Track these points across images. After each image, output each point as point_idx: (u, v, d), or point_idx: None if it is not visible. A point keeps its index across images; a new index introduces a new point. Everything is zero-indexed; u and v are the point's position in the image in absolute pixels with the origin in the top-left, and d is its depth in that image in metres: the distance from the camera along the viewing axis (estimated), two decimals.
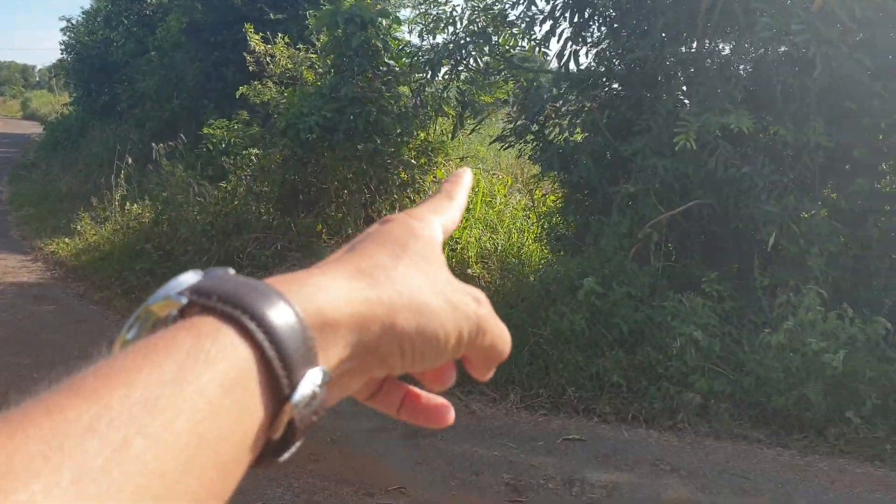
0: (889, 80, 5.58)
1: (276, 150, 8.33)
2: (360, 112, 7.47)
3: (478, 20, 7.27)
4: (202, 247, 8.06)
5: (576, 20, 6.97)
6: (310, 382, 0.37)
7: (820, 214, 5.82)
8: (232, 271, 0.39)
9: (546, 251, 7.56)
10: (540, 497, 4.16)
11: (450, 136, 8.09)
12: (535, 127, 7.22)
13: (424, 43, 7.88)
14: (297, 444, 0.38)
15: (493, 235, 8.00)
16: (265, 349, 0.35)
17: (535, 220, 8.13)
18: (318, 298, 0.39)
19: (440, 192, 0.54)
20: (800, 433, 4.96)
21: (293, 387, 0.36)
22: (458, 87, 7.63)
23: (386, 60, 7.68)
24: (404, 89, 7.99)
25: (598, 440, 4.89)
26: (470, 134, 8.18)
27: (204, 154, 10.13)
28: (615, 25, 6.98)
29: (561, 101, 7.08)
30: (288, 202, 8.41)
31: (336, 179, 8.13)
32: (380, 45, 7.58)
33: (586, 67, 7.09)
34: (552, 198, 7.94)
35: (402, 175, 8.17)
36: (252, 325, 0.35)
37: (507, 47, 7.31)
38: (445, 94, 7.78)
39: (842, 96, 5.70)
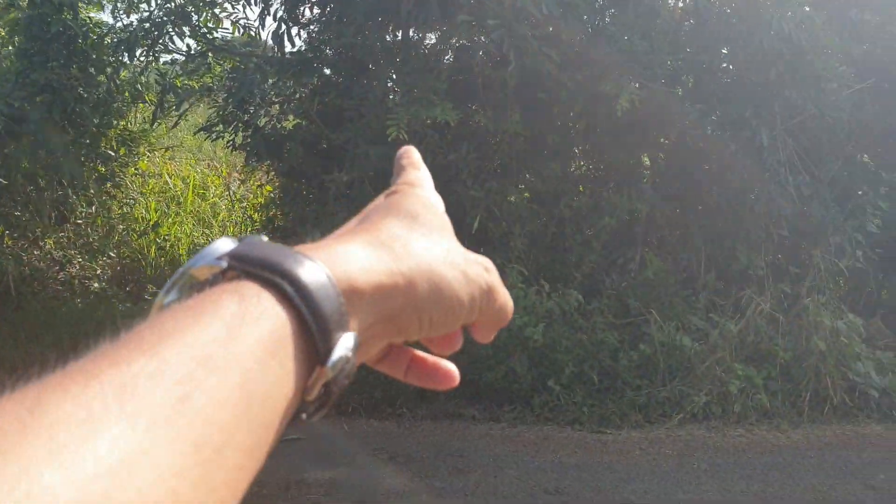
0: (574, 72, 6.05)
1: None
2: (55, 100, 6.61)
3: None
4: None
5: None
6: (343, 346, 0.38)
7: (521, 197, 6.18)
8: (265, 238, 0.40)
9: None
10: None
11: (151, 124, 7.44)
12: (245, 116, 6.86)
13: (118, 22, 7.17)
14: (328, 406, 0.39)
15: (207, 230, 7.53)
16: (303, 313, 0.36)
17: (251, 212, 7.78)
18: (347, 266, 0.40)
19: (409, 165, 0.57)
20: (510, 405, 5.22)
21: (328, 350, 0.37)
22: (157, 70, 7.03)
23: (82, 44, 6.85)
24: (102, 78, 7.21)
25: (318, 437, 4.75)
26: (175, 125, 7.61)
27: None
28: (328, 8, 6.83)
29: (271, 87, 6.80)
30: None
31: (21, 174, 7.14)
32: (76, 27, 6.75)
33: (297, 52, 6.88)
34: (268, 188, 7.65)
35: (100, 169, 7.39)
36: (290, 290, 0.36)
37: (209, 28, 6.85)
38: (144, 79, 7.14)
39: (535, 87, 6.07)
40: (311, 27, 6.89)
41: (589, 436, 4.98)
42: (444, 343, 0.51)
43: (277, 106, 6.91)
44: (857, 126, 6.41)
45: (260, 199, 7.68)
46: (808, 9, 5.89)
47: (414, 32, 6.63)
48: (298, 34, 6.89)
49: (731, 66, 6.59)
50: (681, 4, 6.42)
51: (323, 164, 6.53)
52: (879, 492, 4.17)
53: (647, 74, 6.09)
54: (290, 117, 6.93)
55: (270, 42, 6.87)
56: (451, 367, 0.52)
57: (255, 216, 7.57)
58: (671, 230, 6.37)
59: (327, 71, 7.01)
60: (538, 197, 6.33)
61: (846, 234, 6.02)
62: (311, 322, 0.37)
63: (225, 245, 0.39)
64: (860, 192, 6.12)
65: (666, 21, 6.19)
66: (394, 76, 6.68)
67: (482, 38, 6.17)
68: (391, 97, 6.29)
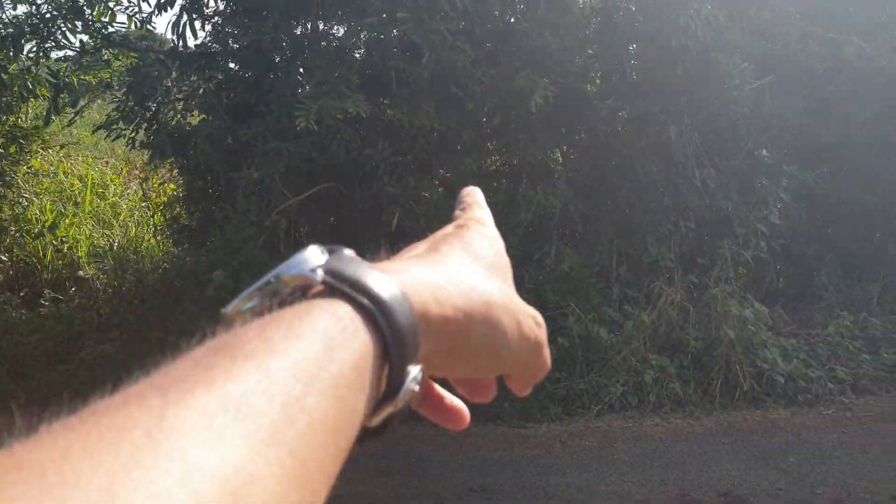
0: (488, 67, 6.04)
1: None
2: None
3: None
4: None
5: None
6: (412, 379, 0.39)
7: (438, 194, 6.12)
8: (352, 252, 0.41)
9: (169, 245, 6.96)
10: None
11: (45, 123, 6.99)
12: (147, 112, 6.53)
13: (3, 13, 6.70)
14: (384, 434, 0.39)
15: (108, 231, 7.16)
16: (389, 345, 0.37)
17: (154, 212, 7.44)
18: (423, 296, 0.40)
19: (475, 204, 0.57)
20: None
21: (401, 381, 0.38)
22: (47, 66, 6.59)
23: None
24: None
25: None
26: (70, 122, 7.19)
27: None
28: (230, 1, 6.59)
29: (174, 81, 6.50)
30: None
31: None
32: None
33: (201, 45, 6.61)
34: (172, 186, 7.33)
35: None
36: (381, 320, 0.36)
37: (104, 22, 6.48)
38: (35, 73, 6.70)
39: (448, 82, 6.03)
40: (216, 19, 6.63)
41: (510, 430, 4.97)
42: (478, 390, 0.51)
43: (181, 101, 6.62)
44: (758, 121, 6.66)
45: (164, 198, 7.35)
46: (710, 6, 6.06)
47: (323, 25, 6.47)
48: (202, 26, 6.62)
49: (639, 63, 6.72)
50: (590, 2, 6.50)
51: (231, 160, 6.30)
52: (790, 475, 4.32)
53: (559, 70, 6.15)
54: (195, 113, 6.65)
55: (170, 35, 6.56)
56: (465, 410, 0.51)
57: (159, 216, 7.24)
58: (584, 224, 6.44)
59: (233, 65, 6.77)
60: (454, 193, 6.28)
61: (750, 226, 6.24)
62: (394, 354, 0.37)
63: (315, 255, 0.39)
64: (762, 185, 6.34)
65: (575, 17, 6.25)
66: (301, 70, 6.50)
67: (394, 31, 6.08)
68: (300, 91, 6.12)
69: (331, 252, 0.40)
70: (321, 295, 0.37)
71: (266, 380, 0.31)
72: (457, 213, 0.56)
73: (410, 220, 5.72)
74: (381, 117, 6.17)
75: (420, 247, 0.49)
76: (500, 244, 0.52)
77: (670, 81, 6.16)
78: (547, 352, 0.51)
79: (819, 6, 7.04)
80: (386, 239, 5.93)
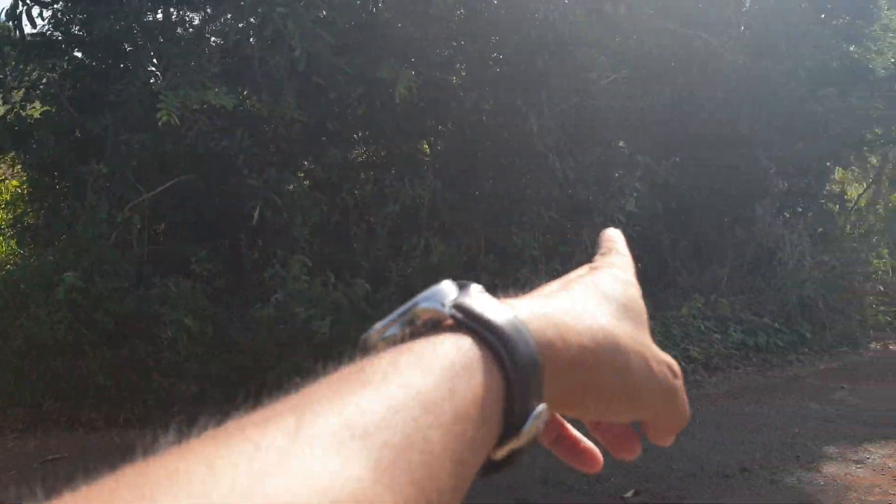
0: (351, 57, 5.94)
1: None
2: None
3: None
4: None
5: None
6: (538, 418, 0.39)
7: (302, 186, 5.99)
8: (480, 288, 0.41)
9: (13, 245, 6.48)
10: None
11: None
12: None
13: None
14: (505, 469, 0.40)
15: None
16: (511, 380, 0.37)
17: None
18: (550, 334, 0.41)
19: (611, 250, 0.55)
20: None
21: (524, 418, 0.38)
22: None
23: None
24: None
25: (86, 454, 4.30)
26: None
27: None
28: None
29: (10, 71, 6.03)
30: None
31: None
32: None
33: (40, 33, 6.16)
34: (14, 183, 6.82)
35: None
36: (506, 358, 0.37)
37: None
38: None
39: (311, 71, 5.89)
40: (56, 6, 6.20)
41: None
42: (621, 444, 0.51)
43: (21, 92, 6.15)
44: (615, 113, 6.91)
45: (6, 196, 6.83)
46: (567, 1, 6.22)
47: (178, 12, 6.19)
48: (40, 14, 6.18)
49: (501, 56, 6.81)
50: None
51: (79, 154, 5.91)
52: (645, 452, 4.49)
53: (424, 61, 6.14)
54: (37, 104, 6.20)
55: (4, 20, 6.08)
56: (599, 453, 0.51)
57: (1, 214, 6.72)
58: (453, 215, 6.48)
59: (79, 53, 6.36)
60: (320, 185, 6.18)
61: (608, 214, 6.47)
62: (516, 390, 0.38)
63: (448, 289, 0.41)
64: (619, 175, 6.58)
65: (439, 8, 6.26)
66: (154, 60, 6.19)
67: (252, 19, 5.89)
68: (154, 81, 5.83)
69: (461, 287, 0.41)
70: (450, 329, 0.39)
71: (393, 409, 0.32)
72: (595, 257, 0.55)
73: (273, 214, 5.57)
74: (241, 107, 5.97)
75: (552, 285, 0.48)
76: (634, 290, 0.50)
77: (531, 74, 6.28)
78: (683, 400, 0.50)
79: (671, 3, 7.36)
80: (248, 233, 5.75)
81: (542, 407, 0.39)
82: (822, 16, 8.60)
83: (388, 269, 5.74)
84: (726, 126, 7.37)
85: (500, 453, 0.39)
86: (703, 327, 6.33)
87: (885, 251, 7.90)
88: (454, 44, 6.76)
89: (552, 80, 6.37)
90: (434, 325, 0.39)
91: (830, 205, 9.12)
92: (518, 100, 6.21)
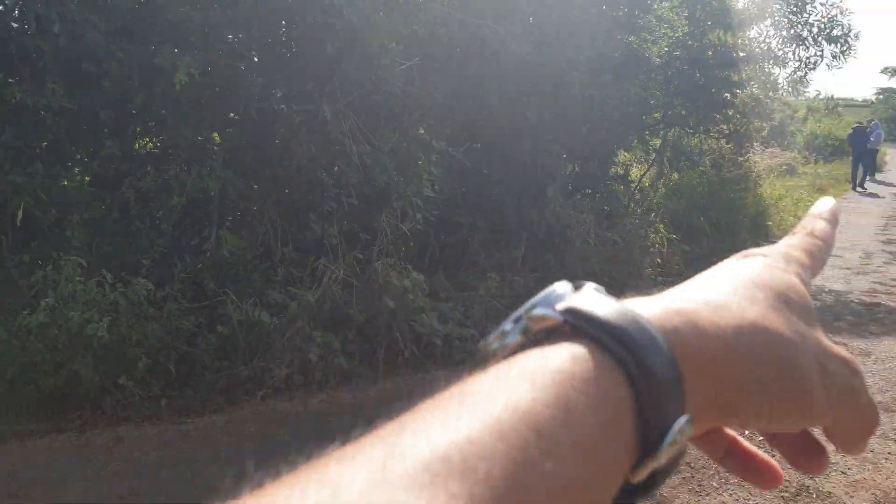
0: (125, 43, 5.59)
1: None
2: None
3: None
4: None
5: None
6: (677, 433, 0.34)
7: (76, 181, 5.57)
8: (597, 287, 0.38)
9: None
10: None
11: None
12: None
13: None
14: (652, 491, 0.36)
15: None
16: (644, 398, 0.33)
17: None
18: (684, 333, 0.36)
19: (811, 232, 0.48)
20: (76, 412, 4.71)
21: (661, 435, 0.34)
22: None
23: None
24: None
25: None
26: None
27: None
28: None
29: None
30: None
31: None
32: None
33: None
34: None
35: None
36: (636, 371, 0.33)
37: None
38: None
39: (80, 57, 5.48)
40: None
41: (169, 428, 4.71)
42: (801, 456, 0.44)
43: None
44: (410, 100, 6.98)
45: None
46: None
47: None
48: None
49: (291, 42, 6.68)
50: None
51: None
52: None
53: (206, 47, 5.88)
54: None
55: None
56: (777, 466, 0.45)
57: None
58: (246, 205, 6.29)
59: None
60: (97, 179, 5.77)
61: (407, 199, 6.54)
62: (647, 403, 0.33)
63: (562, 291, 0.37)
64: (415, 160, 6.67)
65: None
66: None
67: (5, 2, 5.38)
68: None
69: (576, 287, 0.38)
70: (565, 335, 0.35)
71: (498, 435, 0.28)
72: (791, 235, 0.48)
73: (42, 213, 5.13)
74: (1, 97, 5.44)
75: (707, 274, 0.43)
76: (793, 278, 0.43)
77: (321, 60, 6.20)
78: (867, 399, 0.43)
79: None
80: (13, 234, 5.26)
81: (683, 419, 0.35)
82: (604, 7, 9.15)
83: (174, 266, 5.47)
84: (517, 113, 7.67)
85: (639, 476, 0.34)
86: (499, 305, 6.57)
87: (661, 226, 8.58)
88: (243, 30, 6.53)
89: (344, 67, 6.32)
90: (550, 333, 0.35)
91: (616, 185, 9.77)
92: (309, 86, 6.12)
